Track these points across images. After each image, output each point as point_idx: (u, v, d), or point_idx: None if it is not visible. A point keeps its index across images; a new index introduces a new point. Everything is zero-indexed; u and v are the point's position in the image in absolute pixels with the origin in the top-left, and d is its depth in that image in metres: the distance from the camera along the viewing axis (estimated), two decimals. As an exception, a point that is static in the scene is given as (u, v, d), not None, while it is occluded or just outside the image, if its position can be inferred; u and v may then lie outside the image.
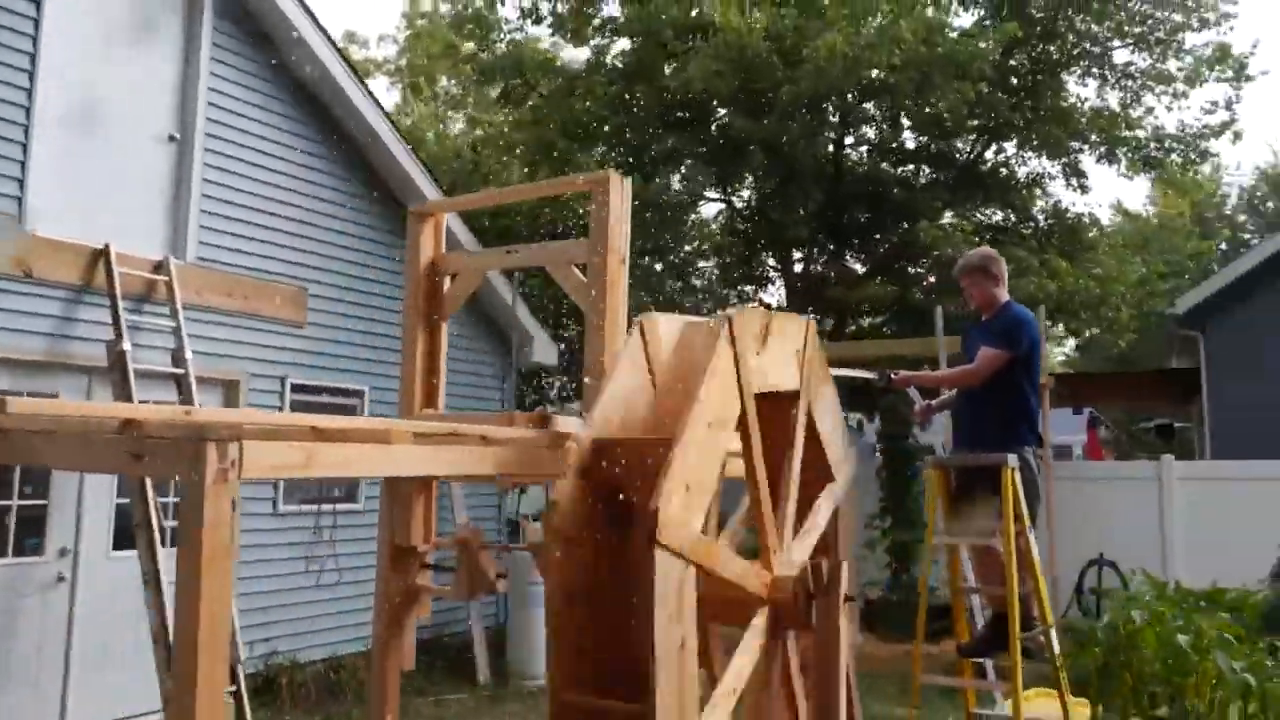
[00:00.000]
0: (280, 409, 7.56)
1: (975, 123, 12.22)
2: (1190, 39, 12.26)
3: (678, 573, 2.96)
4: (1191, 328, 13.18)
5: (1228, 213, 27.68)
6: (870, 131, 12.18)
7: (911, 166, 12.84)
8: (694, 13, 10.39)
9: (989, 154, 13.38)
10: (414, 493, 4.47)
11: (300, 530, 7.66)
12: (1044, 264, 10.59)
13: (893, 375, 4.82)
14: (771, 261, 13.32)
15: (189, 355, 6.43)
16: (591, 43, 14.63)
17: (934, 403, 5.11)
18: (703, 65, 9.57)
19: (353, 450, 2.68)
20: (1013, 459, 4.54)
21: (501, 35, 14.22)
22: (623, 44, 13.64)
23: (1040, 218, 12.88)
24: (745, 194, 12.57)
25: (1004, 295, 4.96)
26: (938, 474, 4.78)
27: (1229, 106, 12.80)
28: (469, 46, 14.83)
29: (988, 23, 11.60)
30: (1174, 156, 12.98)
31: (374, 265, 8.49)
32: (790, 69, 9.54)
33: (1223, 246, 23.16)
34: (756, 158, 10.20)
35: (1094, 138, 12.89)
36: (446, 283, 4.65)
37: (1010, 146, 12.96)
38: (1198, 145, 12.77)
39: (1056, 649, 4.57)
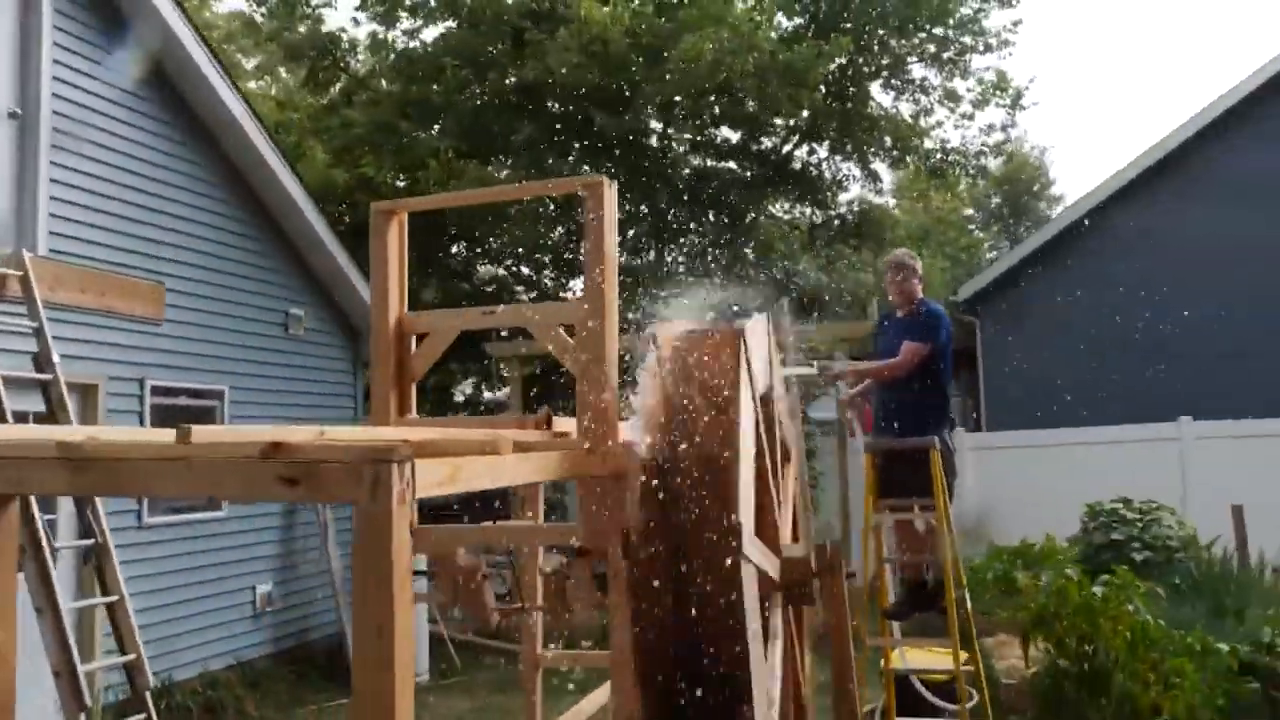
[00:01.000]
0: (140, 414, 6.99)
1: (790, 123, 13.07)
2: (976, 61, 13.69)
3: (754, 583, 3.14)
4: (969, 313, 14.77)
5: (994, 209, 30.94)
6: (715, 132, 12.66)
7: (733, 164, 13.50)
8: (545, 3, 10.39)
9: (799, 153, 14.30)
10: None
11: (167, 543, 7.11)
12: (859, 258, 11.55)
13: (828, 370, 5.24)
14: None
15: (56, 359, 5.81)
16: (402, 26, 14.25)
17: (854, 392, 5.58)
18: (562, 57, 9.62)
19: (481, 463, 2.69)
20: (937, 441, 5.08)
21: (308, 11, 13.52)
22: (439, 28, 13.41)
23: (846, 215, 13.93)
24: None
25: (920, 292, 5.49)
26: (869, 457, 5.25)
27: (1004, 129, 14.45)
28: (270, 24, 13.97)
29: (804, 31, 12.37)
30: (955, 169, 14.45)
31: (230, 259, 7.96)
32: (648, 67, 9.82)
33: (992, 244, 25.99)
34: (609, 152, 10.39)
35: (888, 143, 14.09)
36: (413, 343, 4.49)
37: (821, 149, 13.91)
38: (977, 161, 14.29)
39: (969, 606, 5.16)
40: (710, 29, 9.27)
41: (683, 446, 3.32)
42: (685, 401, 3.51)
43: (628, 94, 10.06)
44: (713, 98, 10.31)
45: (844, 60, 12.21)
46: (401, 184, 14.61)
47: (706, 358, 3.70)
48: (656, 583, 3.11)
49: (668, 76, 9.61)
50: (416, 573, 4.68)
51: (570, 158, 10.92)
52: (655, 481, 3.22)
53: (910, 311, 5.43)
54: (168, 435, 2.81)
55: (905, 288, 5.44)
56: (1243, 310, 13.08)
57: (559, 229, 14.67)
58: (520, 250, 14.23)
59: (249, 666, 7.74)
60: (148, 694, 5.45)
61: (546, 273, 15.72)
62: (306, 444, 2.37)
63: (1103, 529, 8.07)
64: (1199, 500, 10.35)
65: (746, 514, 3.27)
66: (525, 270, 15.54)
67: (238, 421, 7.86)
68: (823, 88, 12.91)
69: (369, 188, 13.65)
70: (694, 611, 3.15)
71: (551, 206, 13.96)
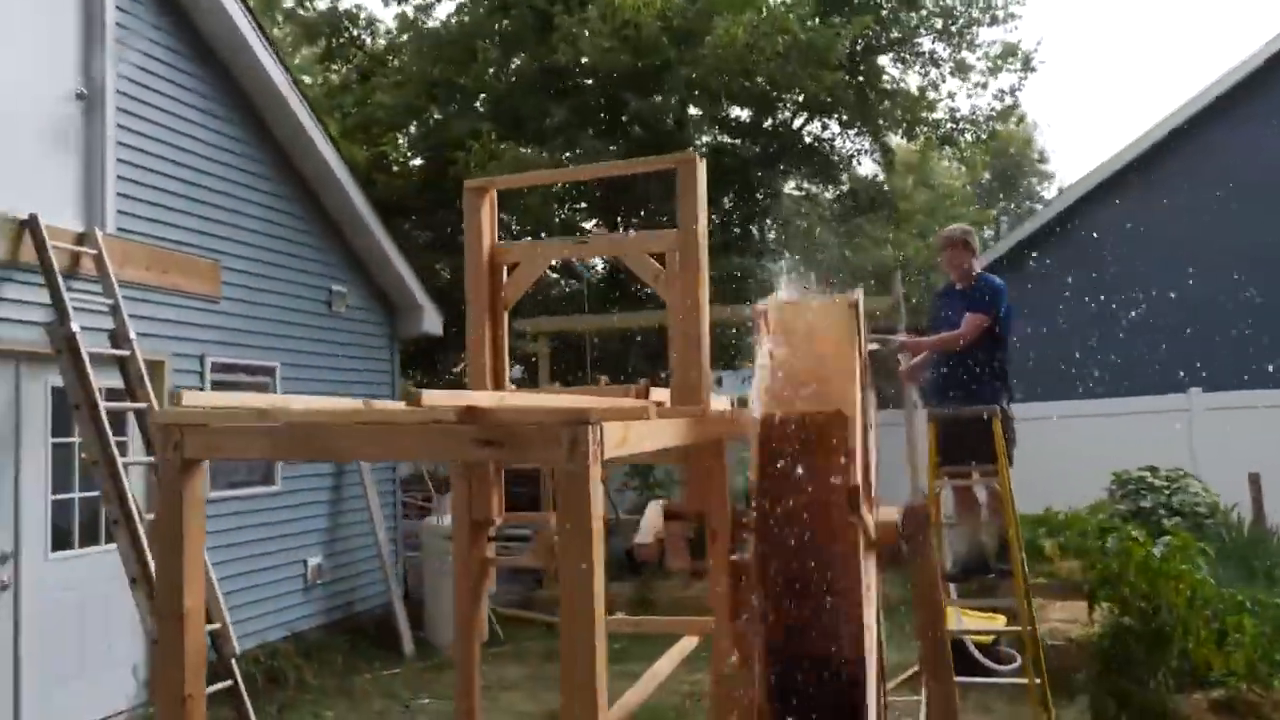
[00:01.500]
0: (202, 390, 7.10)
1: (800, 99, 13.21)
2: (983, 34, 13.84)
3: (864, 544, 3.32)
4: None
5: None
6: (728, 109, 12.78)
7: (745, 140, 13.62)
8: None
9: (810, 129, 14.42)
10: (491, 468, 4.52)
11: (224, 517, 7.25)
12: (880, 233, 11.75)
13: (892, 343, 5.43)
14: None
15: (133, 336, 5.93)
16: (415, 2, 14.25)
17: (914, 363, 5.78)
18: (595, 42, 9.71)
19: (644, 427, 2.86)
20: (998, 409, 5.28)
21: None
22: (455, 2, 13.43)
23: (858, 190, 14.10)
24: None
25: (978, 266, 5.68)
26: (932, 426, 5.45)
27: (1013, 93, 14.57)
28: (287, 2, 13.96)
29: (820, 8, 12.47)
30: (967, 135, 14.60)
31: (278, 236, 8.07)
32: (679, 49, 9.91)
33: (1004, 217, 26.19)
34: (625, 129, 10.49)
35: (899, 116, 14.23)
36: (504, 272, 4.64)
37: (834, 124, 14.04)
38: (988, 126, 14.47)
39: (1026, 572, 5.38)
40: (743, 13, 9.38)
41: (801, 410, 3.49)
42: (804, 367, 3.68)
43: (662, 77, 10.17)
44: (737, 78, 10.42)
45: (858, 37, 12.33)
46: (418, 163, 14.70)
47: (824, 325, 3.87)
48: (778, 543, 3.29)
49: (704, 58, 9.71)
50: (490, 539, 4.88)
51: (597, 138, 11.02)
52: (774, 444, 3.40)
53: (969, 285, 5.61)
54: (354, 404, 2.98)
55: (961, 263, 5.62)
56: (1246, 284, 13.34)
57: (568, 206, 14.81)
58: (530, 229, 14.38)
59: (302, 638, 7.91)
60: (234, 661, 5.63)
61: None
62: (500, 408, 2.53)
63: (1131, 496, 8.33)
64: (1208, 470, 10.64)
65: (861, 477, 3.46)
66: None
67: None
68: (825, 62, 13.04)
69: (382, 166, 13.75)
70: (814, 571, 3.33)
71: (566, 185, 14.05)
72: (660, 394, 4.45)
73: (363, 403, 2.77)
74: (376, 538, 8.77)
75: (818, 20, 11.27)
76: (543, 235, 15.36)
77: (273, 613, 7.71)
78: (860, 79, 12.56)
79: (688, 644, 6.01)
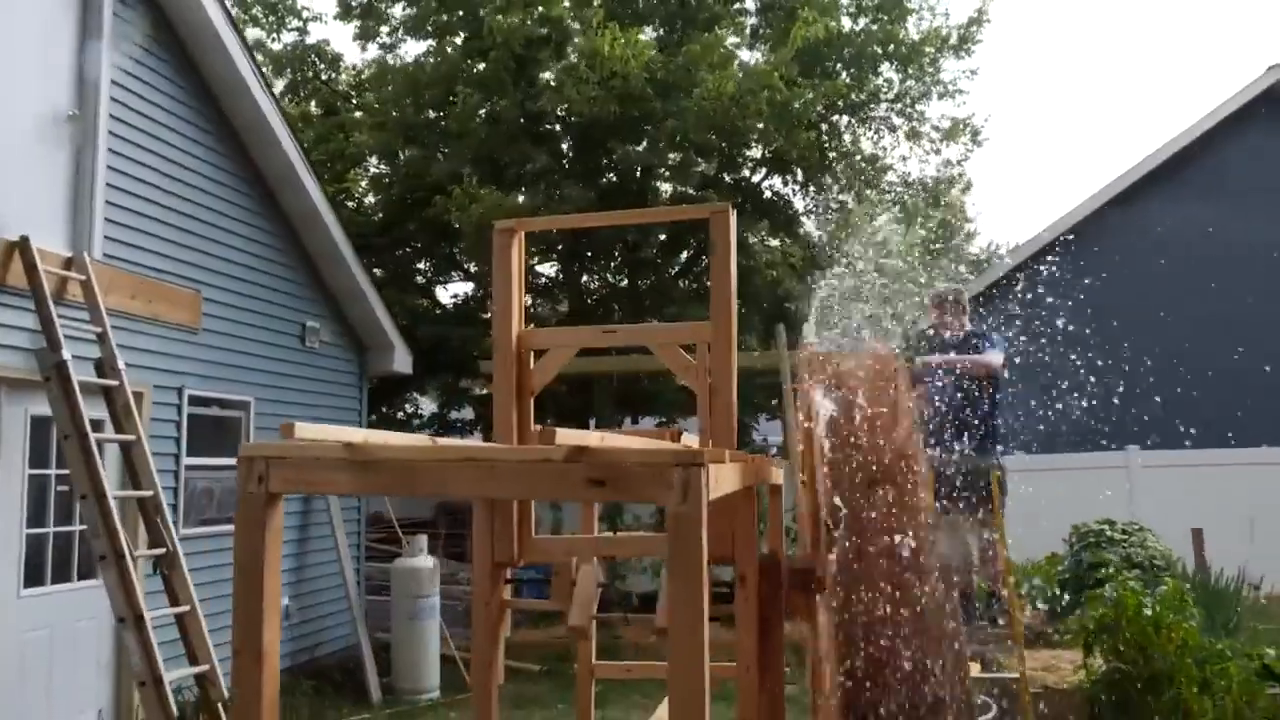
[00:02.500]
0: (178, 423, 6.91)
1: (761, 154, 13.58)
2: (933, 108, 14.42)
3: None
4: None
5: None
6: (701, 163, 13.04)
7: (710, 191, 13.90)
8: (543, 30, 10.62)
9: (768, 184, 14.78)
10: (515, 509, 4.50)
11: (198, 555, 7.00)
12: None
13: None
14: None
15: (121, 365, 5.76)
16: (378, 40, 14.28)
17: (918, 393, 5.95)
18: (581, 89, 9.84)
19: (723, 470, 2.92)
20: (997, 462, 5.46)
21: (298, 23, 13.47)
22: (424, 45, 13.51)
23: (817, 243, 14.45)
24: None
25: (968, 324, 5.89)
26: (931, 470, 5.59)
27: (960, 163, 15.25)
28: (254, 33, 13.84)
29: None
30: (917, 201, 15.17)
31: (257, 268, 7.93)
32: (663, 101, 10.11)
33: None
34: (606, 182, 10.62)
35: (855, 176, 14.70)
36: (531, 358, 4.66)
37: (793, 183, 14.42)
38: (936, 192, 15.06)
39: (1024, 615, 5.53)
40: (727, 68, 9.63)
41: (865, 448, 3.60)
42: (859, 412, 3.81)
43: (644, 127, 10.34)
44: (719, 130, 10.67)
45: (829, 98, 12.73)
46: (372, 200, 14.62)
47: (873, 375, 4.03)
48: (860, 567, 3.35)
49: (689, 110, 9.91)
50: (507, 581, 4.85)
51: (575, 185, 11.12)
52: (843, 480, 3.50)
53: (966, 336, 5.82)
54: (423, 439, 2.96)
55: (953, 322, 5.83)
56: (1184, 346, 13.99)
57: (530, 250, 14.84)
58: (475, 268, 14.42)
59: (267, 681, 7.63)
60: (220, 706, 5.43)
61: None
62: (609, 448, 2.56)
63: (1091, 548, 8.59)
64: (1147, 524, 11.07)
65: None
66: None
67: (262, 434, 7.81)
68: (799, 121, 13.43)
69: (338, 203, 13.65)
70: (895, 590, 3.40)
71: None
72: (689, 438, 4.50)
73: (540, 434, 2.77)
74: (344, 579, 8.57)
75: (798, 79, 11.61)
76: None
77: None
78: (824, 139, 12.96)
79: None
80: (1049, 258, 14.93)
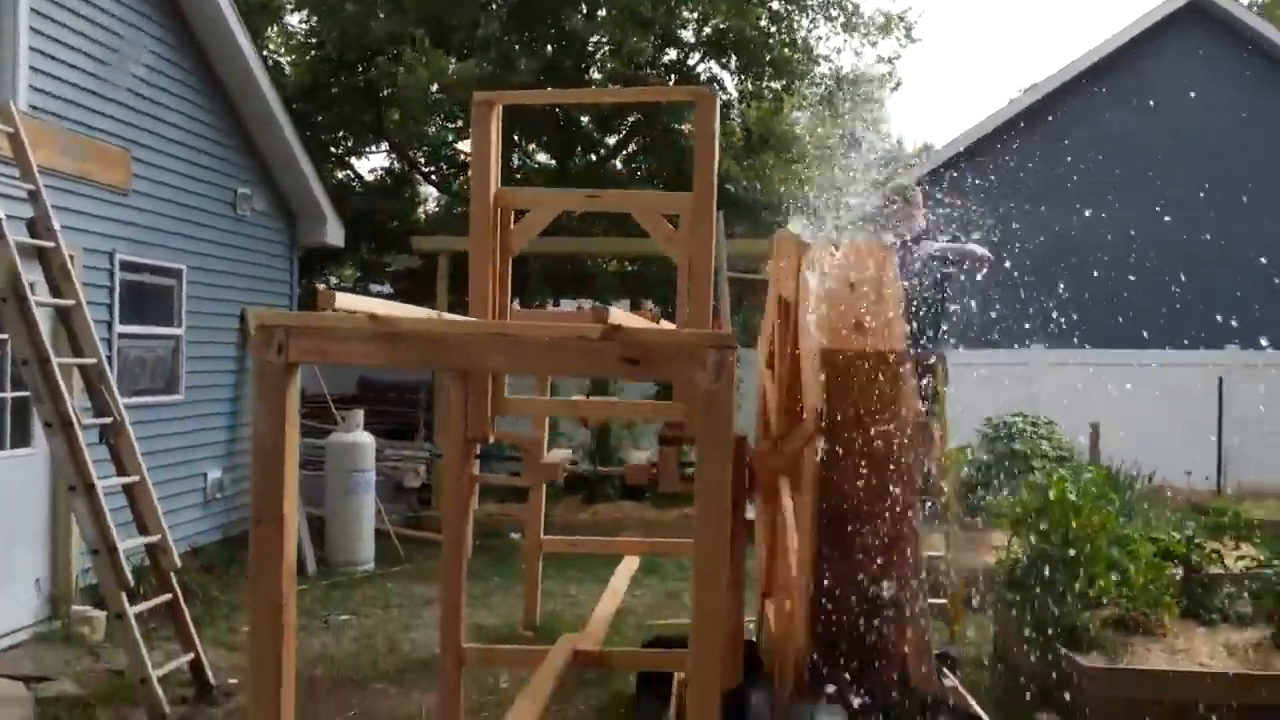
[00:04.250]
0: (111, 289, 6.63)
1: (696, 38, 13.37)
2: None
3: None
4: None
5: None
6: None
7: (647, 71, 13.65)
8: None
9: (703, 68, 14.55)
10: (489, 386, 4.51)
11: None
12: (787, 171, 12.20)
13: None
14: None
15: (56, 226, 5.45)
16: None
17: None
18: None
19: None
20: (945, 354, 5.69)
21: None
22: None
23: (751, 130, 14.37)
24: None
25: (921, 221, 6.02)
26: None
27: (891, 61, 15.31)
28: None
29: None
30: (846, 97, 15.23)
31: (189, 129, 7.52)
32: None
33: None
34: (548, 54, 10.25)
35: (788, 66, 14.58)
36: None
37: (726, 65, 14.22)
38: (867, 90, 15.13)
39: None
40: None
41: (854, 342, 3.67)
42: (849, 306, 3.88)
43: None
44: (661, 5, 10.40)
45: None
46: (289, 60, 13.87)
47: (864, 266, 4.08)
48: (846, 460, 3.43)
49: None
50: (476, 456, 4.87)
51: (524, 55, 10.74)
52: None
53: (922, 233, 5.95)
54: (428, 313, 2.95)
55: (912, 217, 5.94)
56: (1096, 251, 14.57)
57: (452, 125, 14.39)
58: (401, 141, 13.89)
59: (202, 552, 7.62)
60: (172, 575, 5.40)
61: (442, 166, 15.43)
62: (645, 328, 2.61)
63: (1004, 440, 9.12)
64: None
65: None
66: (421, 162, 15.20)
67: (194, 303, 7.56)
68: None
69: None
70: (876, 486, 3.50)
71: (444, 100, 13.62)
72: (665, 323, 4.54)
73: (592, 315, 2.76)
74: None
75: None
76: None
77: (173, 527, 7.32)
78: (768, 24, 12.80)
79: (631, 563, 6.24)
80: (976, 158, 15.26)
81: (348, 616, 7.03)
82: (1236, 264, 14.37)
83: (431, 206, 16.64)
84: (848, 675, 3.62)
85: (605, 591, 5.44)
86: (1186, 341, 12.91)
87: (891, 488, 3.33)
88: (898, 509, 3.47)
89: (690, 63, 14.31)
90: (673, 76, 13.58)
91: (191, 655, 5.18)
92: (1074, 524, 5.34)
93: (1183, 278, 13.86)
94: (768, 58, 13.66)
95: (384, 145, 14.81)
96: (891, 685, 3.65)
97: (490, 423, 4.62)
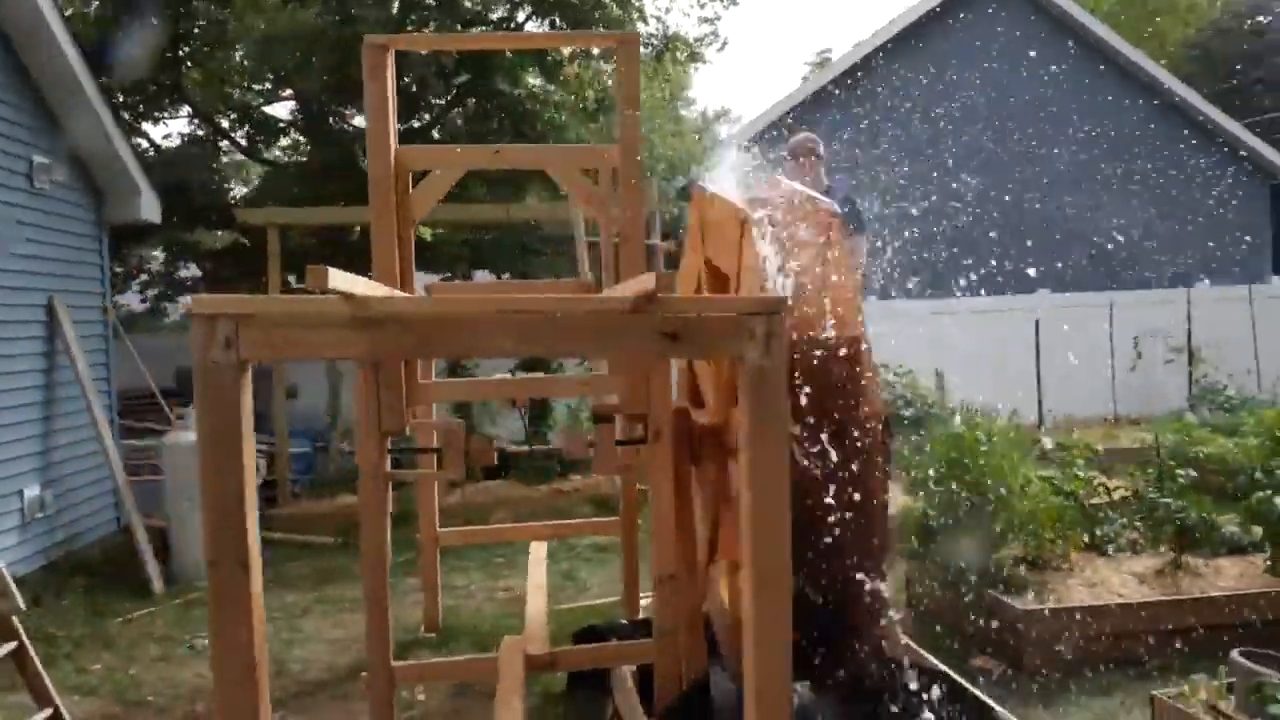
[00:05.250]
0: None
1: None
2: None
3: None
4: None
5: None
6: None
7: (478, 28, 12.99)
8: None
9: (530, 26, 13.99)
10: (403, 374, 4.00)
11: None
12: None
13: None
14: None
15: None
16: None
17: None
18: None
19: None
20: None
21: None
22: None
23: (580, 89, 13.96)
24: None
25: (825, 178, 5.86)
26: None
27: (714, 20, 15.31)
28: None
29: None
30: (677, 54, 15.10)
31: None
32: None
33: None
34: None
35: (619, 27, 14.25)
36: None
37: (555, 24, 13.72)
38: (695, 48, 15.07)
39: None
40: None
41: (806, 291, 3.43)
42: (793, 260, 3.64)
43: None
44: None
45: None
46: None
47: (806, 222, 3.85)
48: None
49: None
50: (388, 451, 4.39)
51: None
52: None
53: (826, 190, 5.79)
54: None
55: (812, 172, 5.77)
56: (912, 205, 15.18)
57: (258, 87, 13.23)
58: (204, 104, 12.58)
59: (24, 583, 6.57)
60: (15, 620, 4.55)
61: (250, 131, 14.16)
62: (683, 297, 2.26)
63: (872, 390, 9.26)
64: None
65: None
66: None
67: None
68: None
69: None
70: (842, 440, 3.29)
71: (240, 60, 12.44)
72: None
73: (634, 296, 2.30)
74: (107, 458, 7.46)
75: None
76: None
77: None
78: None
79: (541, 550, 5.86)
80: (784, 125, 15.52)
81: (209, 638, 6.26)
82: (1043, 218, 15.42)
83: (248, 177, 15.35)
84: (823, 649, 3.44)
85: (529, 586, 5.05)
86: (1005, 290, 13.67)
87: (855, 462, 3.17)
88: (863, 476, 3.31)
89: (519, 19, 13.73)
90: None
91: (50, 710, 4.39)
92: (987, 470, 5.41)
93: (993, 235, 14.71)
94: (597, 15, 13.28)
95: (184, 110, 13.40)
96: (869, 655, 3.51)
97: (408, 414, 4.12)
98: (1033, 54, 15.55)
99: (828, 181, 5.91)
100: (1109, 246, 15.23)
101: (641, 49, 14.83)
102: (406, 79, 12.40)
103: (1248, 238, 15.87)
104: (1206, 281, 14.08)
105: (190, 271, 15.00)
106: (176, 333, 13.30)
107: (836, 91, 15.66)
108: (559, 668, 4.13)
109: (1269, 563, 5.28)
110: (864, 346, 3.28)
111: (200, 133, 13.62)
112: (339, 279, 1.86)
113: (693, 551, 4.46)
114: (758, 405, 2.19)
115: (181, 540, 7.54)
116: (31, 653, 4.54)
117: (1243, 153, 16.20)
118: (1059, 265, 14.49)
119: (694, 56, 15.74)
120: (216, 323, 2.08)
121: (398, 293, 2.40)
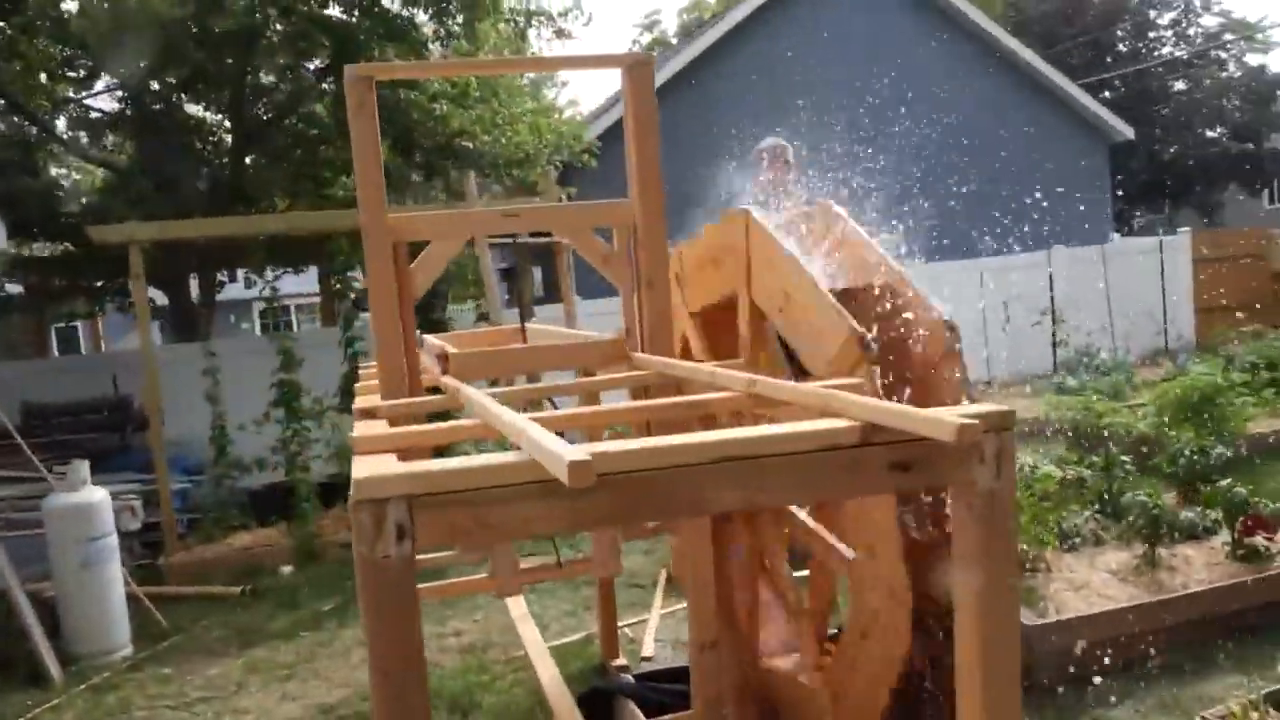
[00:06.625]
0: None
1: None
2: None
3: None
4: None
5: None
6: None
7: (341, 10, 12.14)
8: None
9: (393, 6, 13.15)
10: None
11: None
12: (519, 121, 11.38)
13: None
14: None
15: None
16: None
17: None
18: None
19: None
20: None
21: None
22: None
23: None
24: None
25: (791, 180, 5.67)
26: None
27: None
28: None
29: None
30: (541, 31, 14.60)
31: None
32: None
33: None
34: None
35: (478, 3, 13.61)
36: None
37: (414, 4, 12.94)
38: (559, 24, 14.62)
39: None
40: None
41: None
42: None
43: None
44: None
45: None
46: None
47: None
48: None
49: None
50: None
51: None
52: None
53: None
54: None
55: (783, 176, 5.58)
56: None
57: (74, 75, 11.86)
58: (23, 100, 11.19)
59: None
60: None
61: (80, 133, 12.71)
62: (900, 413, 1.97)
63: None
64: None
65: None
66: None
67: None
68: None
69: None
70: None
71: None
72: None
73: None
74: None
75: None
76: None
77: None
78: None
79: (520, 604, 5.47)
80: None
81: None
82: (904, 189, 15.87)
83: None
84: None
85: (532, 652, 4.65)
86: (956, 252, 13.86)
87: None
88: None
89: (384, 3, 12.86)
90: (363, 17, 12.10)
91: None
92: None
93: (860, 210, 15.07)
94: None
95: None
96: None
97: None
98: (883, 22, 15.92)
99: (794, 189, 5.74)
100: (958, 209, 15.85)
101: (503, 25, 14.30)
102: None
103: (1091, 198, 16.88)
104: (1061, 245, 14.85)
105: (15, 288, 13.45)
106: (12, 362, 11.86)
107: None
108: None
109: (1227, 546, 5.49)
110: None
111: (28, 133, 12.09)
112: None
113: (732, 612, 4.23)
114: (988, 532, 1.95)
115: (73, 613, 6.66)
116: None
117: (1084, 115, 17.18)
118: (930, 236, 14.94)
119: (560, 33, 15.23)
120: (386, 508, 1.66)
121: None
